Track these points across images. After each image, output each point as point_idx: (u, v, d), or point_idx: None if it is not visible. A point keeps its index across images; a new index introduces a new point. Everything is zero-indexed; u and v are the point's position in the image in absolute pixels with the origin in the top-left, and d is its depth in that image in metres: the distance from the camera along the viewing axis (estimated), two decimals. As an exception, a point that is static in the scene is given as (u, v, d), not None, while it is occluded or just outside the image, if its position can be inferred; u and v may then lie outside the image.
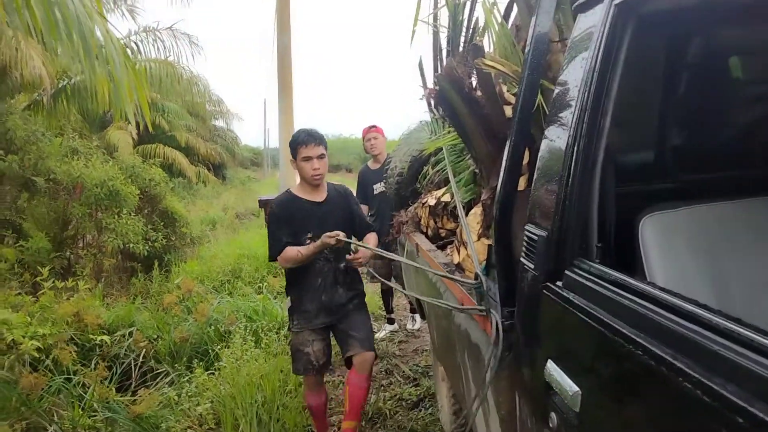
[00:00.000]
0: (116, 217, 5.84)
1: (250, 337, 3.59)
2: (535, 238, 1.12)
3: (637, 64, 1.24)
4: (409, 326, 4.86)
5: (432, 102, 2.86)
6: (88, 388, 3.13)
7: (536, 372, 1.05)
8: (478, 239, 1.81)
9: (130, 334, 3.87)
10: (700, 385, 0.61)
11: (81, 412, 2.93)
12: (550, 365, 1.00)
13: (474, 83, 1.61)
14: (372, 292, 5.42)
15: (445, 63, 2.22)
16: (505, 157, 1.36)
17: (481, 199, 1.79)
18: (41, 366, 3.16)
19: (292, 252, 2.53)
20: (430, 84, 2.81)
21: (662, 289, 0.77)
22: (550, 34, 1.41)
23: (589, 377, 0.89)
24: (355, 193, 3.66)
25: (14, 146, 5.66)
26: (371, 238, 2.77)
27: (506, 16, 1.82)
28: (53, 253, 5.61)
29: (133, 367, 3.64)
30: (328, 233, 2.42)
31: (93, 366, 3.36)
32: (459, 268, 1.95)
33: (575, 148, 1.08)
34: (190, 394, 3.17)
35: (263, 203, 10.98)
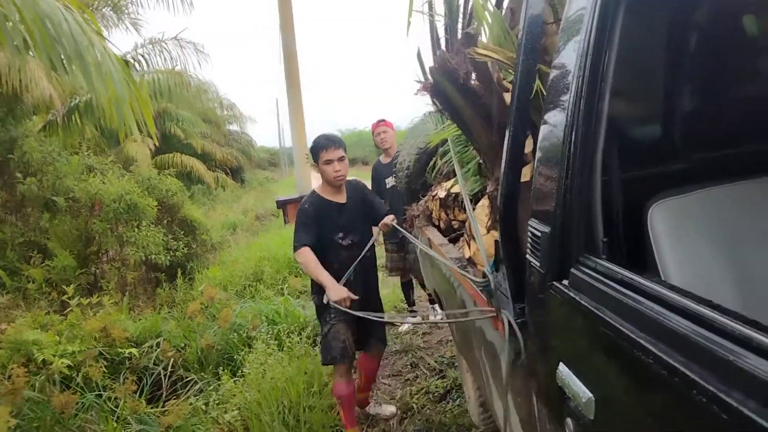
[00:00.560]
0: (136, 230, 5.91)
1: (272, 341, 3.60)
2: (539, 234, 1.07)
3: (636, 38, 1.17)
4: (431, 318, 4.83)
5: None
6: (120, 401, 3.18)
7: (549, 375, 1.00)
8: (488, 232, 1.76)
9: (158, 344, 3.91)
10: (717, 400, 0.55)
11: (115, 425, 2.98)
12: (562, 368, 0.95)
13: (470, 73, 1.55)
14: (393, 285, 5.40)
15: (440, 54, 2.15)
16: (505, 148, 1.31)
17: (487, 191, 1.74)
18: (72, 384, 3.22)
19: (310, 261, 2.61)
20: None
21: (673, 289, 0.71)
22: (544, 15, 1.34)
23: (602, 384, 0.83)
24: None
25: (32, 168, 5.78)
26: (388, 219, 2.90)
27: (499, 1, 1.75)
28: (78, 270, 5.71)
29: (162, 377, 3.69)
30: (337, 298, 2.45)
31: (122, 380, 3.41)
32: (470, 262, 1.90)
33: (574, 135, 1.01)
34: (217, 402, 3.20)
35: (281, 204, 11.06)
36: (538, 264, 1.07)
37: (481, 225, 1.75)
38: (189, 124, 16.19)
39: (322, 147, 2.72)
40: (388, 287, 5.38)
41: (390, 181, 4.13)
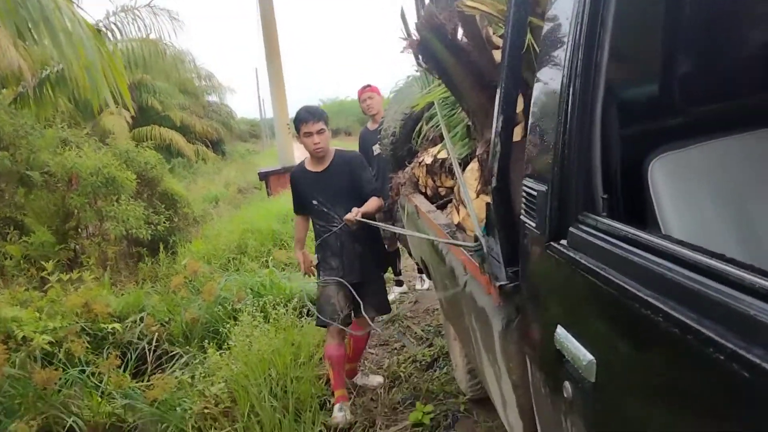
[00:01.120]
0: (115, 204, 5.77)
1: (258, 314, 3.56)
2: (534, 193, 1.02)
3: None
4: (418, 286, 4.84)
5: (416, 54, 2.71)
6: (104, 377, 3.14)
7: (545, 338, 0.97)
8: (477, 196, 1.71)
9: (141, 319, 3.85)
10: (736, 357, 0.51)
11: (99, 400, 2.94)
12: (560, 331, 0.92)
13: (458, 29, 1.48)
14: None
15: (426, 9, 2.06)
16: (496, 107, 1.25)
17: (477, 153, 1.68)
18: (54, 360, 3.16)
19: (296, 230, 3.19)
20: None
21: (679, 242, 0.67)
22: (537, -37, 1.27)
23: (605, 345, 0.80)
24: None
25: (3, 142, 5.56)
26: (371, 202, 2.88)
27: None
28: (58, 245, 5.58)
29: (147, 352, 3.64)
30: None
31: (105, 355, 3.35)
32: (460, 228, 1.86)
33: (571, 89, 0.96)
34: (203, 375, 3.17)
35: (264, 175, 10.87)
36: (534, 225, 1.03)
37: (471, 189, 1.70)
38: (166, 96, 15.78)
39: (302, 120, 2.83)
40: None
41: (377, 149, 4.05)
